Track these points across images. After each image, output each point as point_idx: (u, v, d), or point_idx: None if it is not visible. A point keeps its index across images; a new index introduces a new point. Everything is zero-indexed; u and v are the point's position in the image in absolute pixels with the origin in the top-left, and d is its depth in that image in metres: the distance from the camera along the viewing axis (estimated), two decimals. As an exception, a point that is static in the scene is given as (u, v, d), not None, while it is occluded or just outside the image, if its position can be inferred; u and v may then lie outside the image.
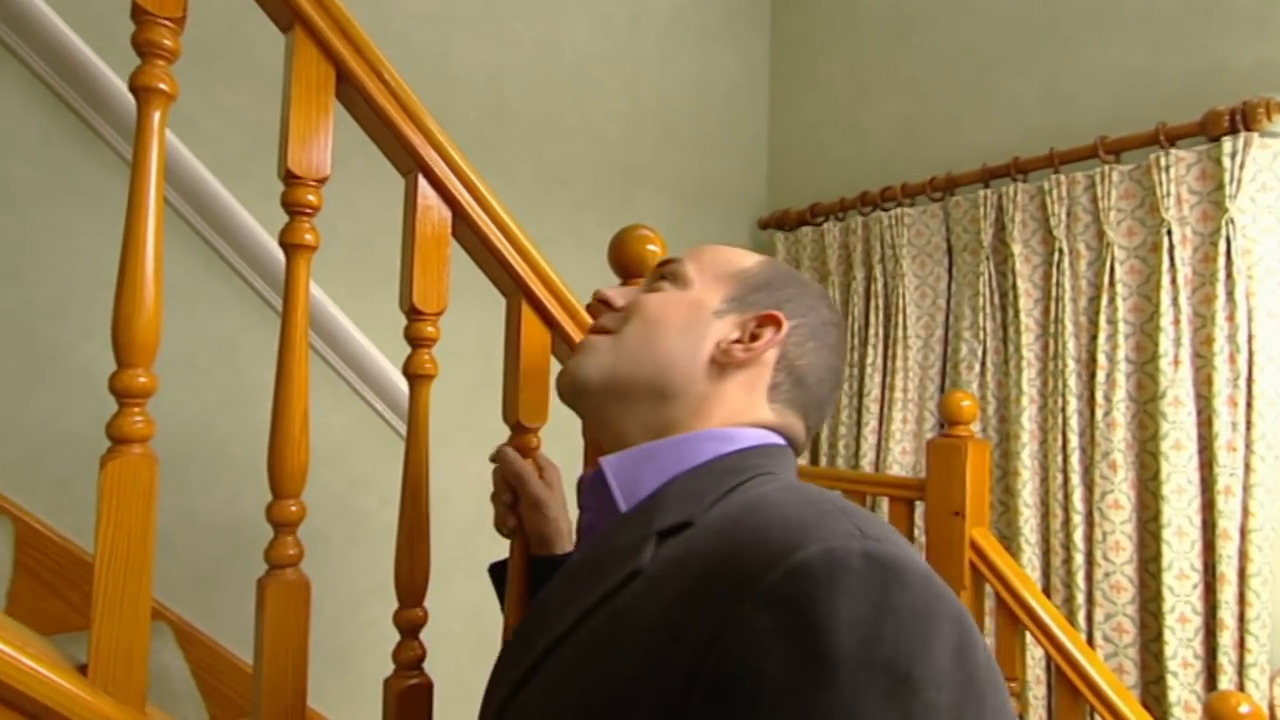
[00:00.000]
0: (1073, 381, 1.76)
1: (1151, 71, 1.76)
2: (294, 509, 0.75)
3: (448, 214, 0.85)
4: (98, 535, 0.63)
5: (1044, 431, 1.83)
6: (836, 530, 0.40)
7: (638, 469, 0.58)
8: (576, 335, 0.92)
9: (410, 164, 0.83)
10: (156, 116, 0.67)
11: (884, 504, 1.89)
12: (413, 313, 0.83)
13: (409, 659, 0.82)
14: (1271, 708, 1.51)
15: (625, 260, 0.98)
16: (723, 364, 0.61)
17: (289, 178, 0.75)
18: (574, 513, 0.76)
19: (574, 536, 0.83)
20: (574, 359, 0.66)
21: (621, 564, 0.50)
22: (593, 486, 0.61)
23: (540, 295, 0.89)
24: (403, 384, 1.77)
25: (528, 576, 0.82)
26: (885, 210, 2.17)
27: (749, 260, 0.67)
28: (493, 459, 0.83)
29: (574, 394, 0.66)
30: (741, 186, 2.56)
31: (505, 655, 0.59)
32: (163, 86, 0.68)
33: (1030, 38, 1.98)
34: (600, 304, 0.70)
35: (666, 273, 0.67)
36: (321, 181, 0.77)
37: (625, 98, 2.27)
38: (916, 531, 1.71)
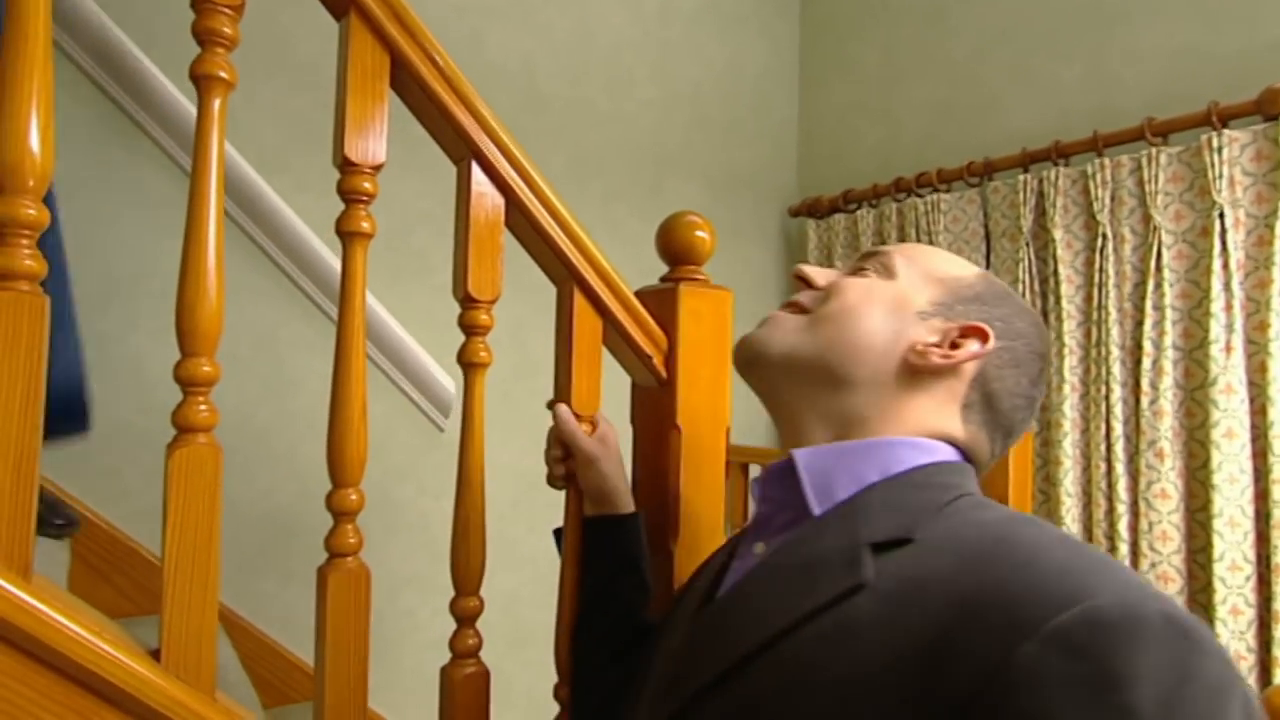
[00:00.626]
0: (1116, 369, 1.73)
1: (1201, 50, 1.72)
2: (354, 498, 0.75)
3: (501, 201, 0.84)
4: (166, 523, 0.63)
5: (1086, 420, 1.80)
6: (1122, 580, 0.39)
7: (832, 467, 0.57)
8: (629, 324, 0.91)
9: (464, 150, 0.83)
10: (217, 104, 0.67)
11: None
12: (467, 301, 0.82)
13: (466, 648, 0.82)
14: (1324, 701, 1.47)
15: (674, 247, 0.97)
16: (916, 367, 0.58)
17: (345, 165, 0.75)
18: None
19: (630, 499, 0.84)
20: (758, 330, 0.64)
21: (838, 573, 0.48)
22: (779, 478, 0.60)
23: (593, 283, 0.89)
24: (439, 374, 1.77)
25: (583, 531, 0.84)
26: (920, 196, 2.14)
27: (964, 269, 0.63)
28: (549, 406, 0.85)
29: (748, 364, 0.65)
30: (772, 174, 2.53)
31: (679, 640, 0.58)
32: (223, 74, 0.67)
33: (1071, 18, 1.94)
34: (798, 280, 0.67)
35: (873, 263, 0.64)
36: (377, 169, 0.76)
37: (656, 85, 2.25)
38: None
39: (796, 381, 0.61)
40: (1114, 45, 1.85)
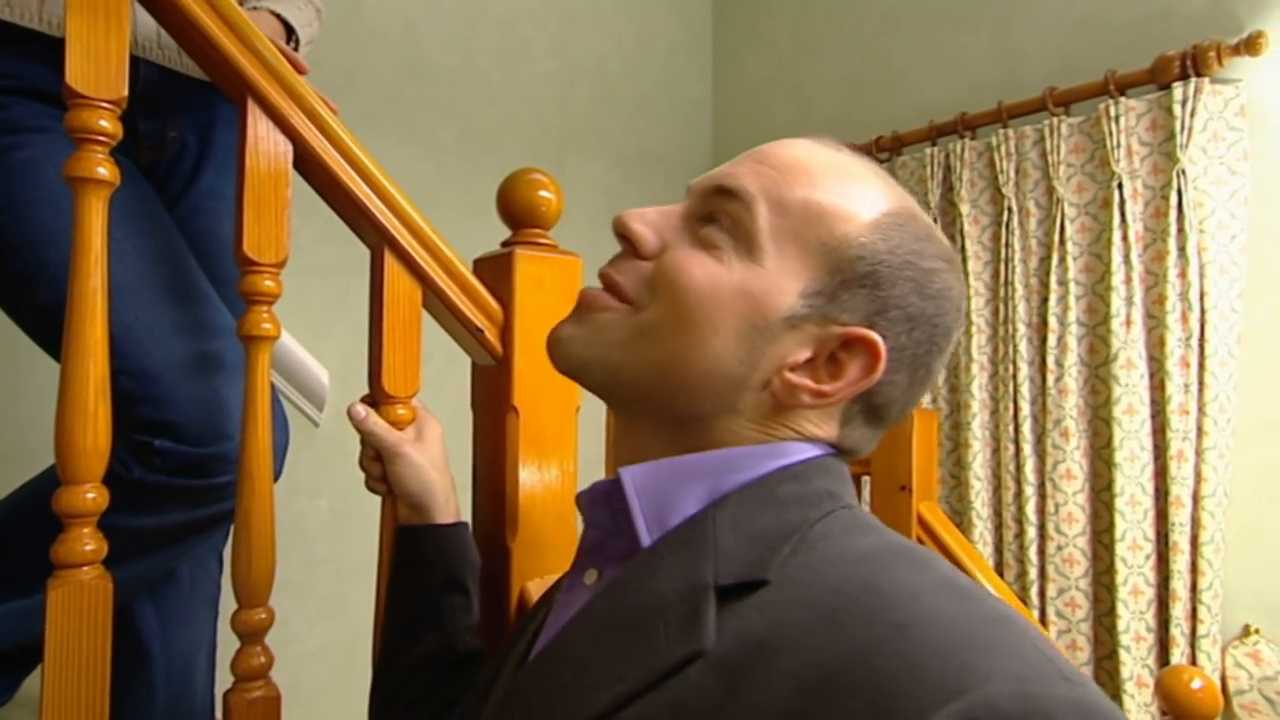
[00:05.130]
0: (1024, 347, 1.69)
1: (1100, 19, 1.68)
2: (90, 496, 0.62)
3: (287, 148, 0.72)
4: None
5: (995, 400, 1.76)
6: (1025, 659, 0.30)
7: (669, 488, 0.45)
8: (454, 293, 0.80)
9: (240, 88, 0.70)
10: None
11: (830, 480, 1.80)
12: (245, 263, 0.70)
13: (251, 669, 0.70)
14: (1223, 679, 1.46)
15: (514, 209, 0.86)
16: (782, 400, 0.45)
17: (72, 95, 0.62)
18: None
19: (453, 505, 0.73)
20: (571, 324, 0.49)
21: (674, 634, 0.37)
22: (604, 501, 0.47)
23: (406, 244, 0.77)
24: (312, 364, 1.63)
25: (395, 543, 0.73)
26: (831, 173, 2.08)
27: (857, 216, 0.45)
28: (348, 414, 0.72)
29: (569, 373, 0.50)
30: (684, 151, 2.44)
31: (491, 711, 0.46)
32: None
33: (977, -11, 1.90)
34: (619, 236, 0.49)
35: (729, 214, 0.46)
36: (116, 102, 0.64)
37: (557, 58, 2.14)
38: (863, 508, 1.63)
39: (629, 406, 0.49)
40: (1017, 15, 1.82)
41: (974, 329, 1.77)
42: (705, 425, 0.46)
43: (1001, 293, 1.74)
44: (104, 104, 0.63)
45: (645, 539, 0.44)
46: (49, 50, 0.74)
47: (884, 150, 1.97)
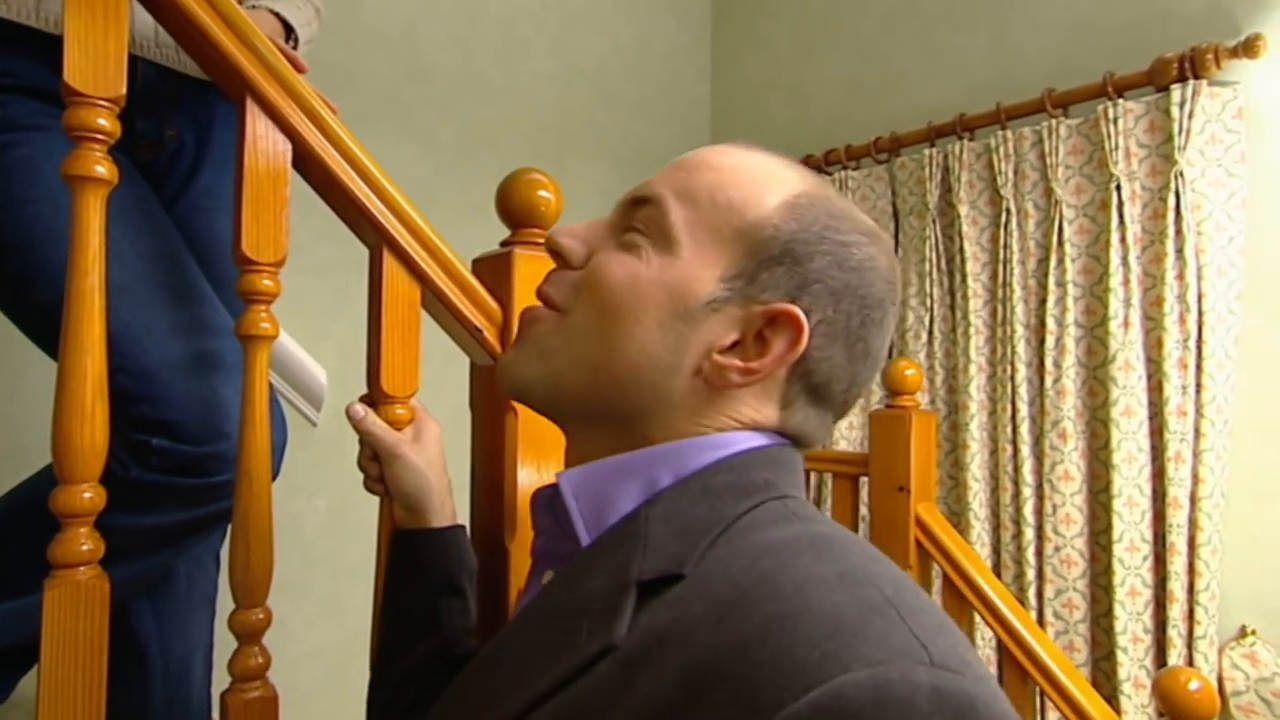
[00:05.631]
0: (1022, 348, 1.69)
1: (1098, 20, 1.69)
2: (87, 495, 0.62)
3: (286, 147, 0.72)
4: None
5: (993, 401, 1.76)
6: (891, 645, 0.30)
7: (606, 488, 0.45)
8: (453, 292, 0.80)
9: (240, 87, 0.70)
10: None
11: (828, 481, 1.80)
12: (244, 262, 0.70)
13: (248, 669, 0.70)
14: (1220, 680, 1.46)
15: (513, 208, 0.86)
16: (713, 385, 0.45)
17: (70, 93, 0.62)
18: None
19: (450, 508, 0.73)
20: (513, 349, 0.52)
21: (589, 629, 0.38)
22: (546, 506, 0.49)
23: (405, 244, 0.77)
24: (310, 364, 1.63)
25: (391, 545, 0.72)
26: (829, 173, 2.08)
27: (767, 202, 0.46)
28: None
29: (516, 399, 0.53)
30: (682, 151, 2.41)
31: (454, 696, 0.46)
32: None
33: (975, -10, 1.90)
34: (551, 254, 0.52)
35: (642, 219, 0.48)
36: (114, 101, 0.63)
37: (556, 58, 2.14)
38: (861, 509, 1.63)
39: (570, 416, 0.50)
40: (1016, 16, 1.82)
41: (972, 330, 1.78)
42: (643, 422, 0.47)
43: (1000, 294, 1.74)
44: (102, 102, 0.62)
45: (584, 539, 0.45)
46: (47, 48, 0.73)
47: (882, 151, 1.97)
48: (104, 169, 0.62)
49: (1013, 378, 1.69)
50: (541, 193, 0.86)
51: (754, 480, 0.43)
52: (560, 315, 0.49)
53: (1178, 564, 1.44)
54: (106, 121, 0.63)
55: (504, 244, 0.87)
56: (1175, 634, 1.43)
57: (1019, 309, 1.69)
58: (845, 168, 2.05)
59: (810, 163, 2.12)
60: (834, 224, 0.46)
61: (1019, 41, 1.81)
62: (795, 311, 0.44)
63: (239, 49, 0.69)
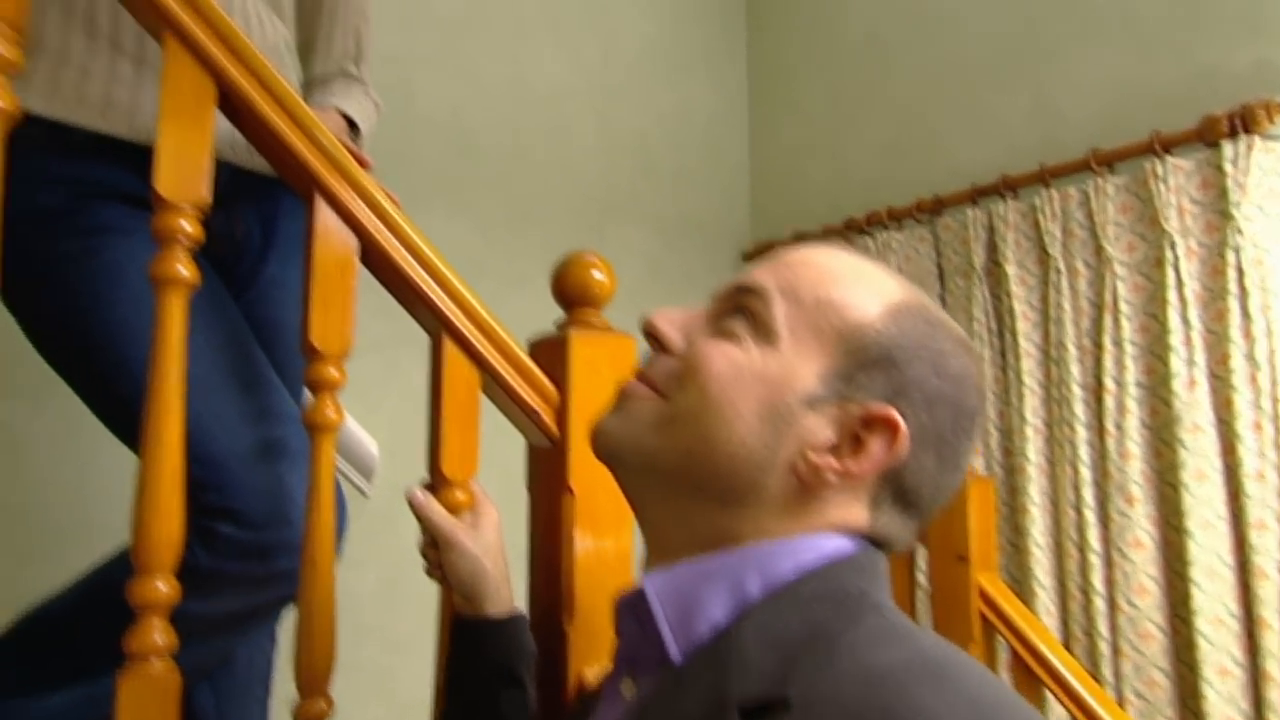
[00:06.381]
0: (1079, 409, 1.64)
1: (1141, 80, 1.69)
2: (163, 589, 0.63)
3: (353, 241, 0.75)
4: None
5: (1051, 464, 1.70)
6: None
7: (693, 594, 0.45)
8: (511, 377, 0.82)
9: (308, 185, 0.74)
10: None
11: (883, 549, 1.74)
12: (311, 353, 0.72)
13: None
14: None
15: (567, 289, 0.89)
16: (807, 483, 0.46)
17: (158, 200, 0.65)
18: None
19: (508, 595, 0.72)
20: (610, 415, 0.52)
21: None
22: (630, 611, 0.48)
23: (466, 331, 0.79)
24: (361, 434, 1.66)
25: (451, 633, 0.72)
26: (871, 236, 2.08)
27: (869, 306, 0.47)
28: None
29: (607, 460, 0.53)
30: (723, 217, 2.47)
31: None
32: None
33: (1013, 52, 1.92)
34: (648, 337, 0.53)
35: (746, 308, 0.49)
36: (199, 206, 0.67)
37: (598, 131, 2.20)
38: (920, 578, 1.58)
39: (662, 493, 0.50)
40: (1055, 78, 1.83)
41: (1026, 390, 1.73)
42: (732, 514, 0.47)
43: (1053, 354, 1.71)
44: (188, 208, 0.66)
45: (673, 651, 0.44)
46: (135, 157, 0.78)
47: (924, 212, 1.98)
48: (187, 271, 0.66)
49: (1071, 439, 1.64)
50: (595, 274, 0.88)
51: (848, 590, 0.43)
52: (660, 399, 0.50)
53: (1271, 640, 1.35)
54: (191, 226, 0.66)
55: (559, 326, 0.89)
56: (1276, 718, 1.33)
57: (1074, 369, 1.65)
58: (887, 229, 2.06)
59: (852, 225, 2.13)
60: (932, 332, 0.48)
61: (1060, 102, 1.82)
62: (894, 415, 0.45)
63: (309, 149, 0.73)
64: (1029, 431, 1.71)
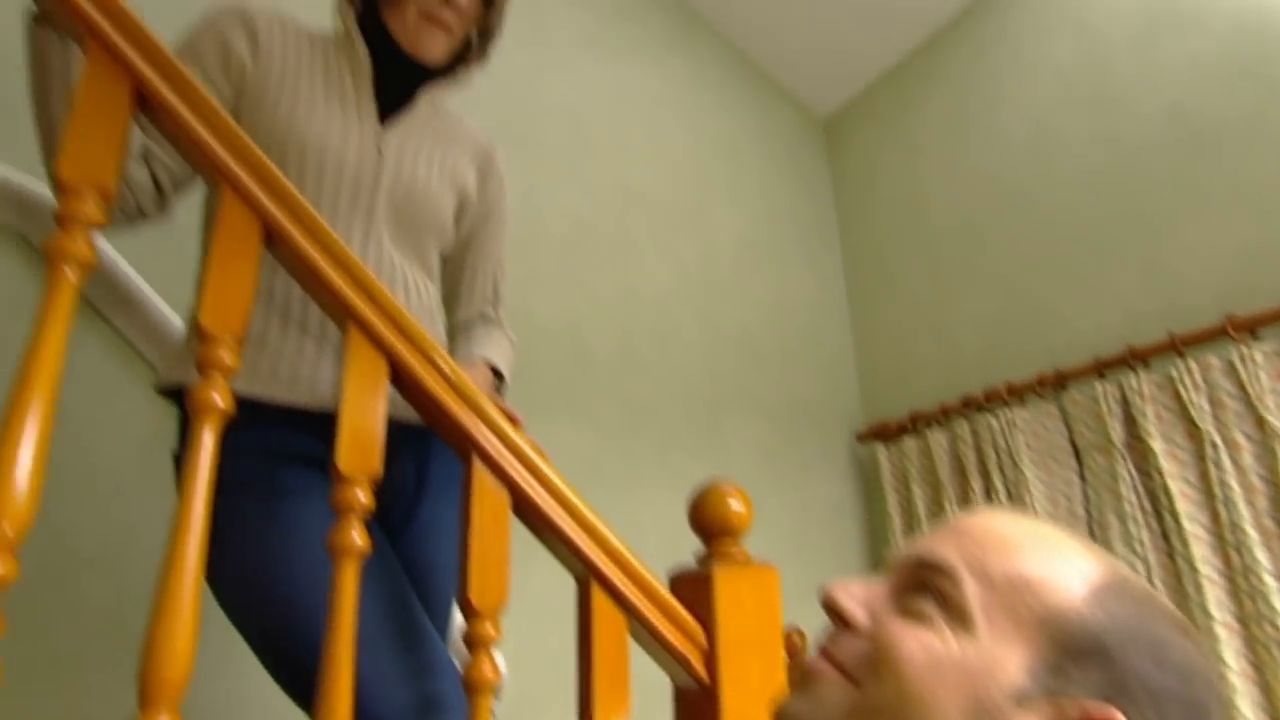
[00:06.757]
0: (1276, 600, 1.44)
1: (1261, 244, 1.63)
2: None
3: (505, 495, 0.79)
4: None
5: (1259, 670, 1.47)
6: None
7: None
8: (658, 620, 0.81)
9: (466, 446, 0.79)
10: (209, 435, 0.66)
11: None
12: (468, 609, 0.74)
13: None
14: None
15: (705, 521, 0.89)
16: None
17: (336, 473, 0.71)
18: None
19: None
20: (796, 698, 0.49)
21: None
22: None
23: (612, 576, 0.80)
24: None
25: None
26: (991, 413, 2.01)
27: (1070, 586, 0.44)
28: None
29: None
30: (832, 400, 2.47)
31: None
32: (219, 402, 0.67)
33: (1112, 225, 1.92)
34: (828, 610, 0.50)
35: (935, 588, 0.46)
36: (373, 479, 0.73)
37: (704, 329, 2.30)
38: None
39: None
40: (1167, 245, 1.80)
41: (1203, 579, 1.55)
42: None
43: (1229, 538, 1.54)
44: (364, 479, 0.72)
45: None
46: (312, 422, 0.87)
47: (1046, 386, 1.91)
48: (361, 540, 0.70)
49: (1277, 640, 1.43)
50: (733, 504, 0.88)
51: None
52: (851, 685, 0.46)
53: None
54: (365, 496, 0.71)
55: (700, 560, 0.88)
56: None
57: (1260, 556, 1.48)
58: (1009, 405, 1.98)
59: (970, 403, 2.07)
60: (1145, 615, 0.44)
61: (1178, 268, 1.77)
62: (1117, 716, 0.40)
63: (468, 416, 0.78)
64: (1218, 629, 1.51)
